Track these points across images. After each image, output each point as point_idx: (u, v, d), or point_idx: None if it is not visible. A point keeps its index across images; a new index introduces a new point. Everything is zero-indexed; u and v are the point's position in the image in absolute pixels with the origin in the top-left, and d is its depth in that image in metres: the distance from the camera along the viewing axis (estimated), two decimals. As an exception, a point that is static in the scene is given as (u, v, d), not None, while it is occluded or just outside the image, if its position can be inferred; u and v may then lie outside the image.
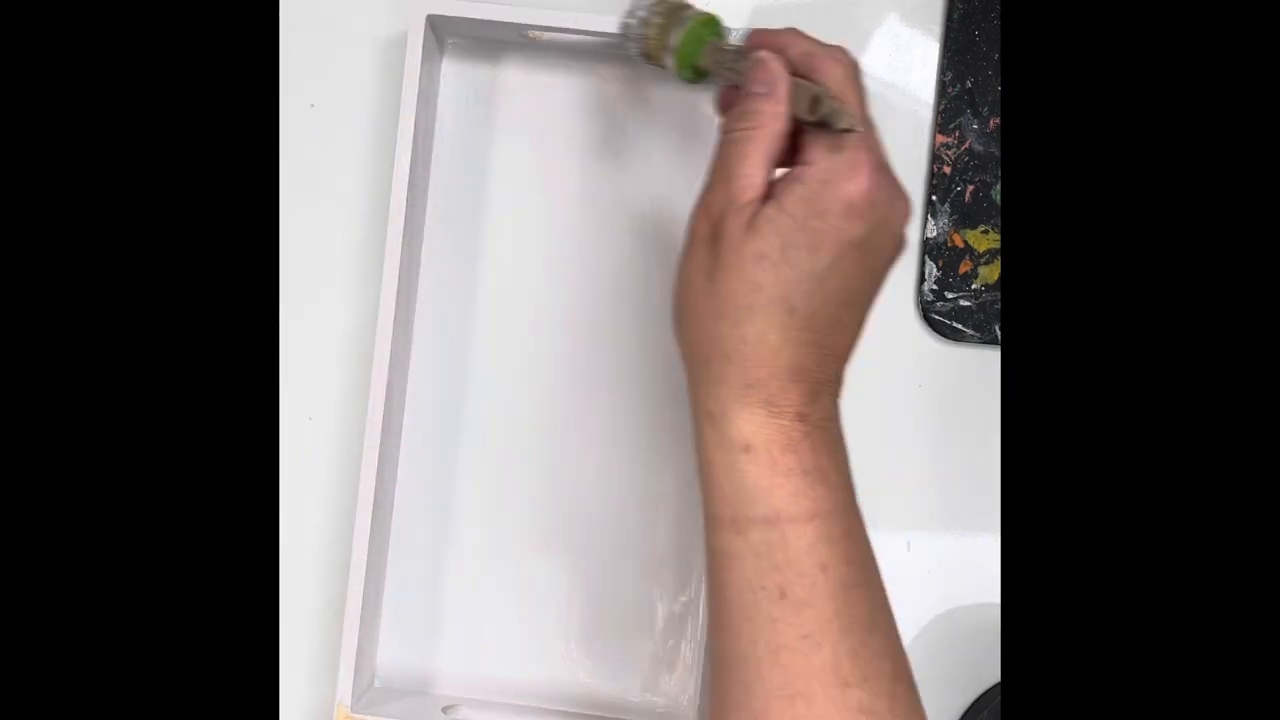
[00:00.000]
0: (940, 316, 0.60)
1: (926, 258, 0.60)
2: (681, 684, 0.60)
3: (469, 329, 0.60)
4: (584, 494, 0.60)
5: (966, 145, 0.59)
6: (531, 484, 0.60)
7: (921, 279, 0.60)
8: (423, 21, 0.55)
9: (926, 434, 0.60)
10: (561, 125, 0.60)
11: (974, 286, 0.60)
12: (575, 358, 0.60)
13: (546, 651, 0.60)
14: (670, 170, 0.60)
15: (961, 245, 0.60)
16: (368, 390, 0.58)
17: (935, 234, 0.60)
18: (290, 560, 0.61)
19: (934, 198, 0.59)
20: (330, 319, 0.61)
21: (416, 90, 0.56)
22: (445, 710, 0.58)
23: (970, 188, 0.59)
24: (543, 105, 0.60)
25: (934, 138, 0.59)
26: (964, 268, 0.60)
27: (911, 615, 0.60)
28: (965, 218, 0.59)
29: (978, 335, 0.59)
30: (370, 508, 0.56)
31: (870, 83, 0.59)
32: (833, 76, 0.47)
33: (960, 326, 0.60)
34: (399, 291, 0.56)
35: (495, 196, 0.60)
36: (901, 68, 0.60)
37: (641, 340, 0.60)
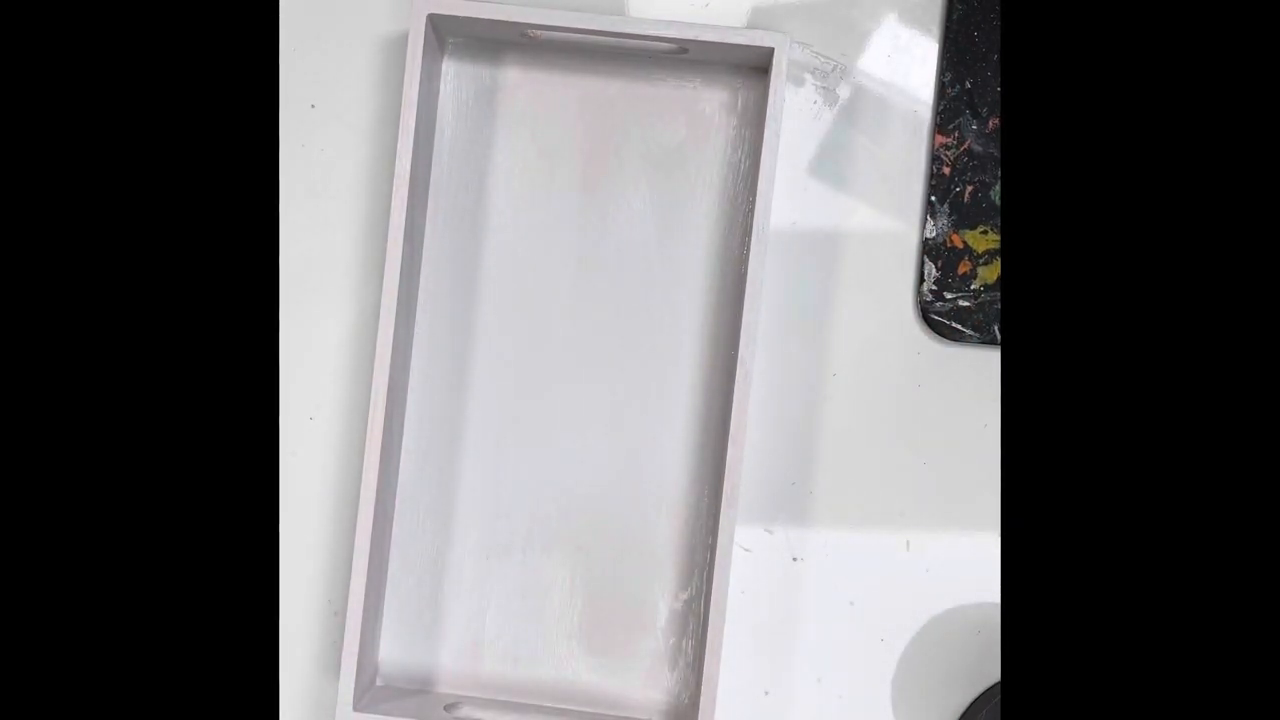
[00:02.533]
0: (939, 317, 0.60)
1: (925, 258, 0.60)
2: (684, 680, 0.60)
3: (469, 328, 0.60)
4: (586, 491, 0.60)
5: (966, 146, 0.59)
6: (533, 481, 0.60)
7: (920, 279, 0.60)
8: (423, 21, 0.56)
9: (926, 433, 0.60)
10: (562, 124, 0.60)
11: (973, 287, 0.60)
12: (576, 355, 0.60)
13: (549, 649, 0.60)
14: (671, 168, 0.60)
15: (960, 246, 0.60)
16: (368, 390, 0.58)
17: (934, 234, 0.60)
18: (291, 559, 0.61)
19: (933, 198, 0.59)
20: (330, 319, 0.61)
21: (417, 89, 0.56)
22: (448, 708, 0.58)
23: (969, 188, 0.59)
24: (543, 105, 0.60)
25: (933, 138, 0.59)
26: (963, 268, 0.60)
27: (911, 615, 0.60)
28: (964, 218, 0.60)
29: (977, 335, 0.60)
30: (372, 506, 0.56)
31: (869, 83, 0.60)
32: None
33: (959, 327, 0.60)
34: (400, 290, 0.57)
35: (495, 196, 0.60)
36: (900, 68, 0.60)
37: (643, 338, 0.60)
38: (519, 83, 0.60)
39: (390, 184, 0.59)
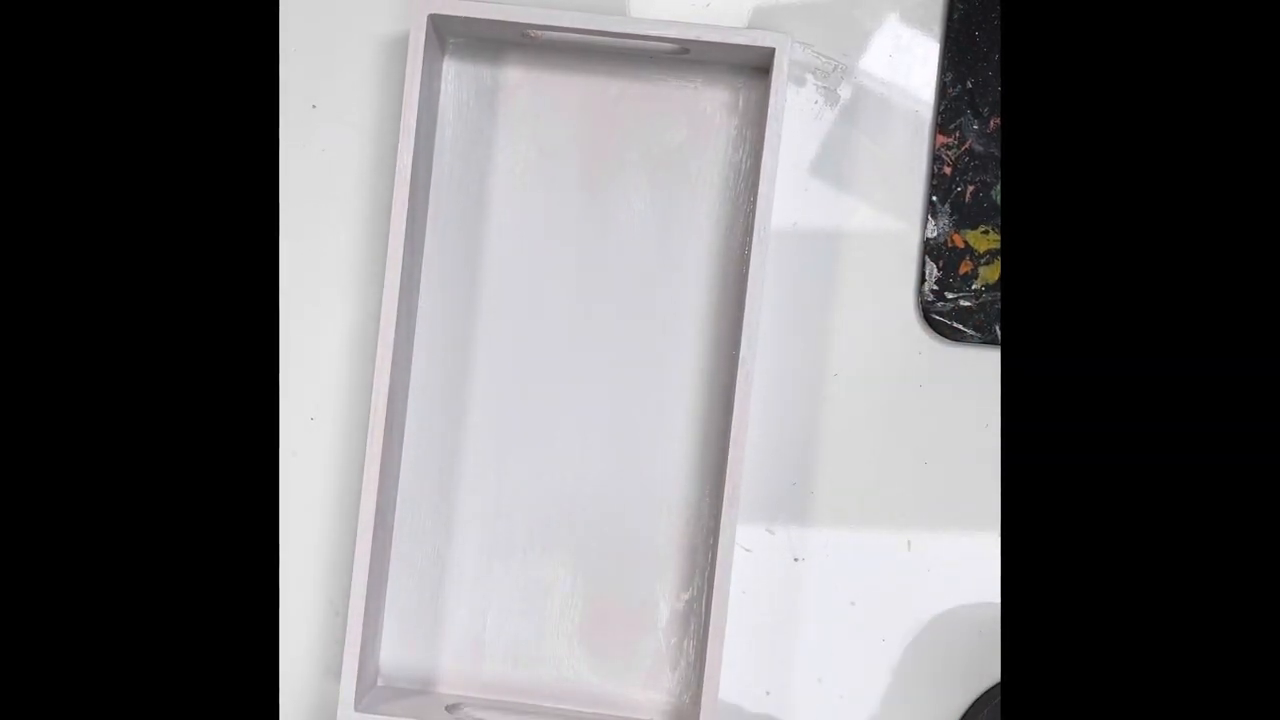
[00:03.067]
0: (941, 317, 0.60)
1: (927, 258, 0.60)
2: (685, 681, 0.60)
3: (470, 328, 0.60)
4: (586, 491, 0.60)
5: (967, 146, 0.59)
6: (534, 481, 0.60)
7: (922, 279, 0.60)
8: (424, 21, 0.56)
9: (927, 433, 0.60)
10: (562, 125, 0.60)
11: (974, 287, 0.60)
12: (577, 356, 0.60)
13: (549, 649, 0.60)
14: (672, 168, 0.60)
15: (962, 245, 0.60)
16: (369, 390, 0.58)
17: (935, 234, 0.60)
18: (291, 559, 0.61)
19: (934, 198, 0.59)
20: (331, 319, 0.61)
21: (418, 90, 0.56)
22: (449, 709, 0.58)
23: (971, 188, 0.59)
24: (544, 105, 0.60)
25: (934, 138, 0.59)
26: (964, 268, 0.60)
27: (912, 615, 0.60)
28: (965, 218, 0.59)
29: (978, 335, 0.59)
30: (373, 506, 0.56)
31: (870, 83, 0.60)
32: None
33: (961, 327, 0.60)
34: (400, 290, 0.57)
35: (495, 196, 0.60)
36: (902, 67, 0.60)
37: (643, 337, 0.60)
38: (520, 83, 0.60)
39: (390, 184, 0.59)
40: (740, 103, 0.59)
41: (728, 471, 0.56)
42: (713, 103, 0.60)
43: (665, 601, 0.60)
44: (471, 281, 0.60)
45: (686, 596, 0.60)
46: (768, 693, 0.60)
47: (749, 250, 0.57)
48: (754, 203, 0.57)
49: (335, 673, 0.61)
